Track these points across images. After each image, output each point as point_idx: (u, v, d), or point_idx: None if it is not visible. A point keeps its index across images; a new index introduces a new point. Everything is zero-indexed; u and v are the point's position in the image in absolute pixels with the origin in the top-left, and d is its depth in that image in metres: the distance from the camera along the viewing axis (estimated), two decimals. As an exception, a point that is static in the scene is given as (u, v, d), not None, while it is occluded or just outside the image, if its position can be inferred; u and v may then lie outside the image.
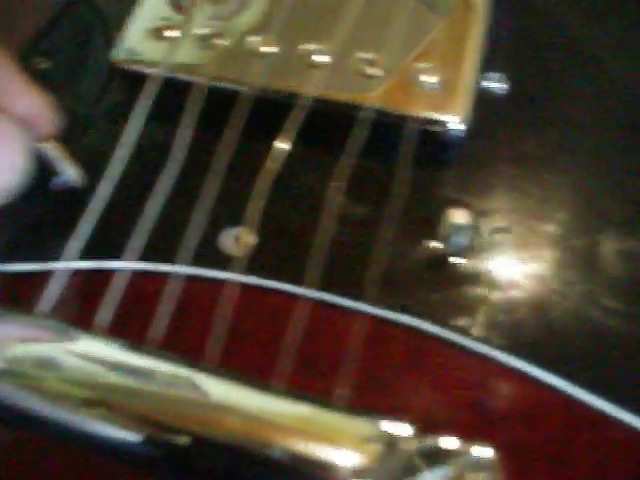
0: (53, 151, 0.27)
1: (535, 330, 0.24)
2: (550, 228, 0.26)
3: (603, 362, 0.23)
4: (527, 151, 0.28)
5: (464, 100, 0.28)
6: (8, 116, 0.22)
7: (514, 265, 0.26)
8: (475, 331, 0.24)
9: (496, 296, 0.25)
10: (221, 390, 0.19)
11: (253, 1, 0.31)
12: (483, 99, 0.29)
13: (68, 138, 0.26)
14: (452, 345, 0.24)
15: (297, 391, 0.20)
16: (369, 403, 0.22)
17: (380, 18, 0.30)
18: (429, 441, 0.18)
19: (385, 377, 0.23)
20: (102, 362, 0.19)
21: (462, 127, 0.27)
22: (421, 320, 0.24)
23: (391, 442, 0.18)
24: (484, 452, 0.18)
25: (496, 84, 0.30)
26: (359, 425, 0.18)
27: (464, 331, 0.24)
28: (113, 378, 0.19)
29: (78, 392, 0.18)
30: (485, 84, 0.30)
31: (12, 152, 0.21)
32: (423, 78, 0.28)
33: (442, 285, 0.25)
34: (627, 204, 0.27)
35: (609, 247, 0.26)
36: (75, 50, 0.33)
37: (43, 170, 0.26)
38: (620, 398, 0.22)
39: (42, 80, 0.24)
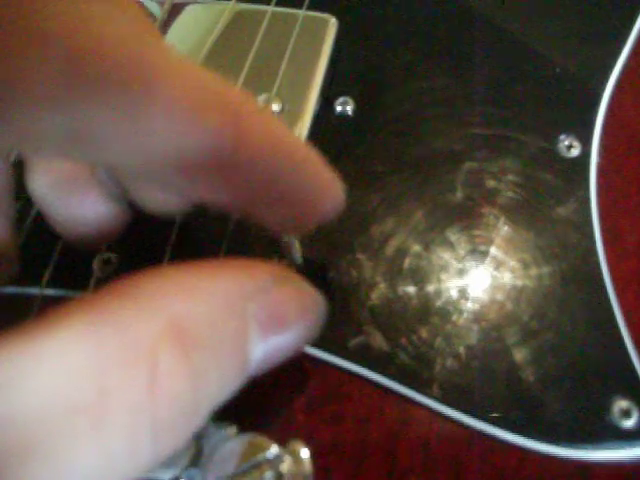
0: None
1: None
2: (395, 243, 0.28)
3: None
4: (372, 167, 0.30)
5: (300, 125, 0.30)
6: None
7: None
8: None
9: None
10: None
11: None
12: (332, 122, 0.32)
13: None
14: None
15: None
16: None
17: (233, 53, 0.33)
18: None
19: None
20: None
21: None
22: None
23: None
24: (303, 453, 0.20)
25: (342, 107, 0.32)
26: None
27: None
28: None
29: None
30: (338, 108, 0.32)
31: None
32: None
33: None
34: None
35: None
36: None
37: None
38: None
39: None
